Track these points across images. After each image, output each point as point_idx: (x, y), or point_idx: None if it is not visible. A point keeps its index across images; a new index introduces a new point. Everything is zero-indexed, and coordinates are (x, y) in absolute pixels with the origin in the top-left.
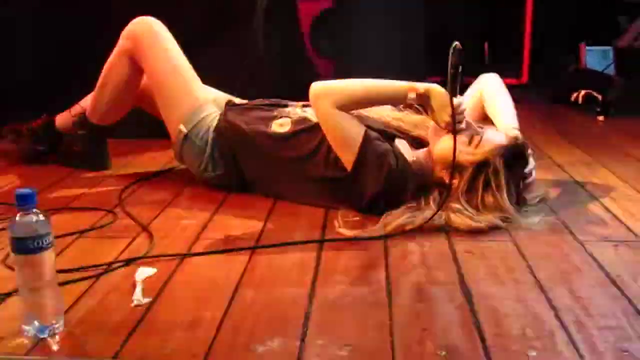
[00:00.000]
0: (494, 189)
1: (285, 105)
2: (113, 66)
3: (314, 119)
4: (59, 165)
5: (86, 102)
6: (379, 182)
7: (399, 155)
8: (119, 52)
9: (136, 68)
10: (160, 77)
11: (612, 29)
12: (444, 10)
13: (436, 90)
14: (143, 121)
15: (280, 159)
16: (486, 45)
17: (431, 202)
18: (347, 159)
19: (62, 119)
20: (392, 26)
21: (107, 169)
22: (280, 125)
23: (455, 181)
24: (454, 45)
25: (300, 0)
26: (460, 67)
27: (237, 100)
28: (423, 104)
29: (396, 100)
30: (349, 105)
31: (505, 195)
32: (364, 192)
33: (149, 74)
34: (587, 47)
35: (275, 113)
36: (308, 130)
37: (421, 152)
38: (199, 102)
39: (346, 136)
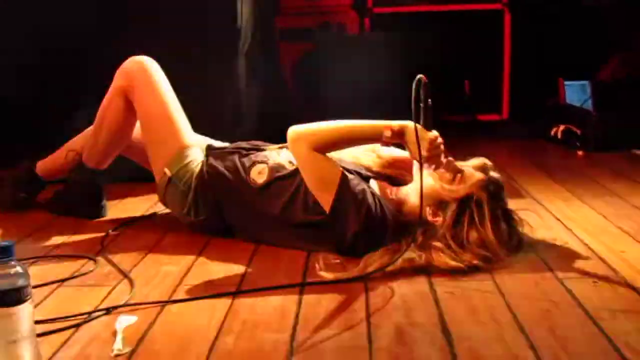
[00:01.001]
0: (478, 222)
1: (263, 149)
2: (108, 105)
3: (289, 167)
4: (45, 213)
5: (75, 145)
6: (359, 223)
7: (376, 195)
8: (113, 91)
9: (131, 107)
10: (150, 117)
11: (591, 63)
12: (424, 49)
13: (411, 126)
14: (126, 166)
15: (260, 208)
16: (467, 82)
17: (412, 243)
18: (326, 201)
19: (49, 165)
20: (373, 66)
21: (104, 216)
22: (259, 173)
23: (440, 218)
24: (418, 78)
25: (282, 41)
26: (430, 100)
27: (217, 144)
28: (399, 141)
29: (372, 140)
30: (326, 147)
31: (489, 228)
32: (344, 233)
33: (139, 113)
34: (566, 82)
35: (253, 158)
36: (284, 178)
37: (399, 191)
38: (185, 146)
39: (324, 178)
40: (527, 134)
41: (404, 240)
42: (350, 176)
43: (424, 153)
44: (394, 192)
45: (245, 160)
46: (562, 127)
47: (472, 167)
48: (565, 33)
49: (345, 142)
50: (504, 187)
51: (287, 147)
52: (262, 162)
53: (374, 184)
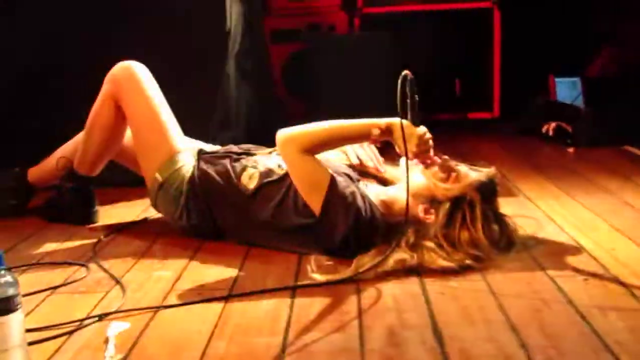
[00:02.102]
0: (469, 223)
1: (254, 154)
2: (98, 112)
3: (279, 171)
4: (36, 220)
5: (66, 151)
6: (348, 224)
7: (365, 197)
8: (103, 97)
9: (121, 112)
10: (140, 123)
11: (581, 59)
12: (414, 48)
13: (398, 123)
14: (117, 171)
15: (251, 213)
16: (457, 81)
17: (403, 243)
18: (315, 203)
19: (41, 172)
20: (362, 66)
21: (96, 222)
22: (250, 178)
23: (432, 216)
24: (403, 74)
25: (271, 43)
26: (416, 97)
27: (208, 148)
28: (388, 138)
29: (361, 138)
30: (315, 149)
31: (480, 229)
32: (334, 234)
33: (129, 119)
34: (557, 79)
35: (244, 163)
36: (273, 183)
37: (390, 190)
38: (176, 151)
39: (314, 180)
40: (519, 131)
41: (395, 240)
42: (339, 178)
43: (412, 149)
44: (384, 192)
45: (236, 164)
46: (553, 124)
47: (470, 168)
48: (555, 29)
49: (334, 142)
50: (497, 190)
51: (277, 151)
52: (252, 166)
53: (363, 185)
